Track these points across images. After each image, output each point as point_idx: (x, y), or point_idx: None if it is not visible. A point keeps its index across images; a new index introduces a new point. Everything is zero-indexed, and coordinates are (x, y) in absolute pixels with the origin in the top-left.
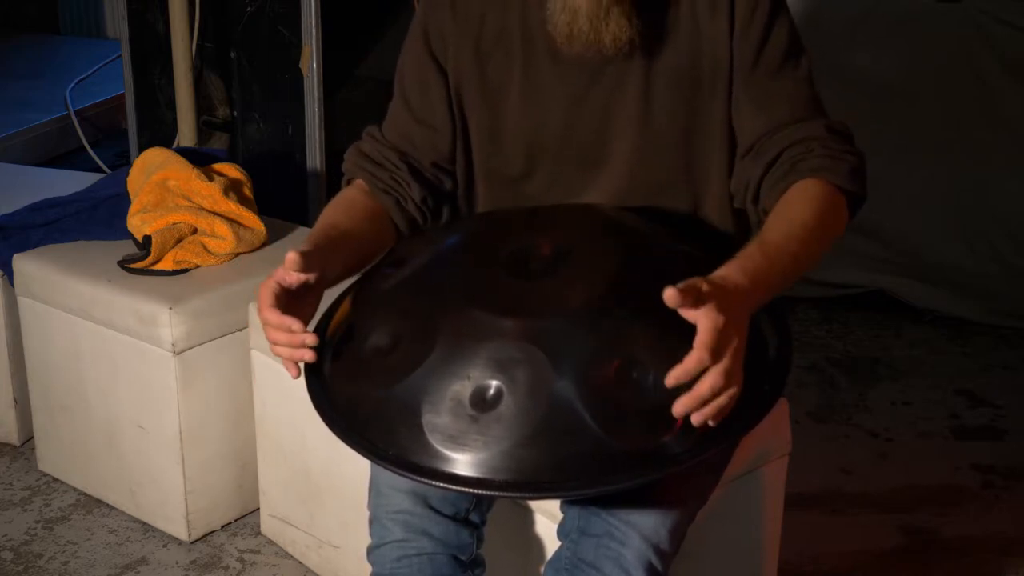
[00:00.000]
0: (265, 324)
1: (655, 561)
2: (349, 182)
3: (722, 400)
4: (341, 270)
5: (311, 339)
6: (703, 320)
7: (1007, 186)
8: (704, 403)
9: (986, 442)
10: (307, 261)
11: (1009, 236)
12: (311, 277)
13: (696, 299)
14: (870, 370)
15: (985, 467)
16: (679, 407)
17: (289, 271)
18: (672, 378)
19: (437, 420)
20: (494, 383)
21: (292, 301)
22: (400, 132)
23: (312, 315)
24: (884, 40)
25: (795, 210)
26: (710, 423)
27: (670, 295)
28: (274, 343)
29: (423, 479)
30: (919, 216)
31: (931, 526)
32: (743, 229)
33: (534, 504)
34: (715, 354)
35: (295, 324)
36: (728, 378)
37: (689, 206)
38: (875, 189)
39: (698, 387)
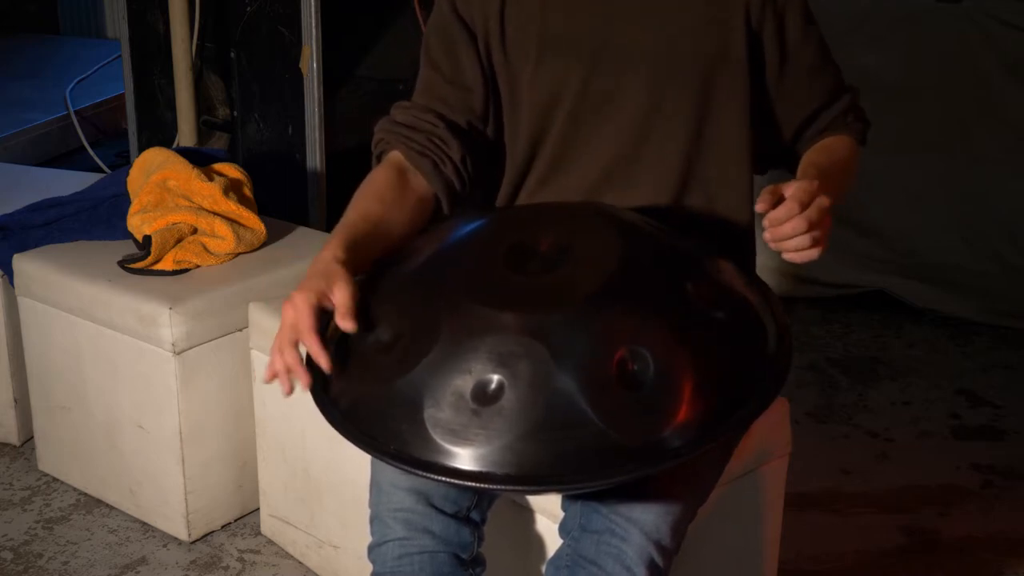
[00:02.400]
0: (304, 343)
1: (656, 557)
2: (380, 157)
3: (800, 242)
4: (373, 261)
5: (305, 379)
6: (794, 186)
7: (1007, 186)
8: (783, 239)
9: (986, 442)
10: (343, 288)
11: (1009, 236)
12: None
13: (779, 197)
14: (870, 370)
15: (985, 467)
16: (766, 234)
17: (326, 301)
18: (765, 222)
19: (439, 415)
20: (495, 377)
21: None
22: (433, 95)
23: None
24: (884, 40)
25: (835, 149)
26: (795, 254)
27: (762, 202)
28: (283, 358)
29: (425, 473)
30: (919, 216)
31: (931, 526)
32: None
33: (534, 502)
34: (803, 205)
35: (327, 366)
36: (809, 224)
37: (701, 172)
38: (875, 189)
39: (781, 228)
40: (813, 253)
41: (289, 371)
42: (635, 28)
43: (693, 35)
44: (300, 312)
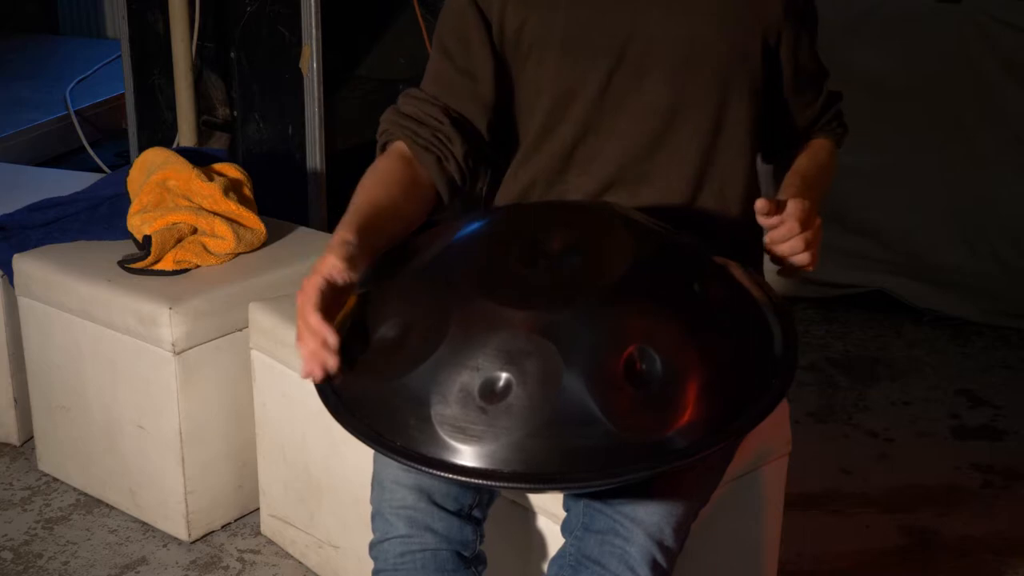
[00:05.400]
0: (304, 323)
1: (659, 558)
2: (384, 147)
3: (800, 259)
4: (381, 248)
5: (333, 363)
6: (791, 205)
7: (1007, 186)
8: (781, 259)
9: (986, 442)
10: (352, 265)
11: (1009, 236)
12: (355, 276)
13: (779, 205)
14: (870, 370)
15: (985, 467)
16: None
17: (336, 275)
18: (767, 238)
19: (446, 411)
20: (504, 374)
21: (334, 294)
22: (441, 83)
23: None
24: (884, 40)
25: (819, 155)
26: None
27: (761, 205)
28: (301, 342)
29: (431, 470)
30: (919, 216)
31: (931, 526)
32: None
33: (535, 501)
34: (801, 225)
35: (331, 338)
36: (805, 244)
37: (715, 169)
38: (875, 189)
39: (781, 247)
40: (808, 266)
41: (316, 356)
42: (659, 24)
43: (714, 32)
44: (304, 294)
